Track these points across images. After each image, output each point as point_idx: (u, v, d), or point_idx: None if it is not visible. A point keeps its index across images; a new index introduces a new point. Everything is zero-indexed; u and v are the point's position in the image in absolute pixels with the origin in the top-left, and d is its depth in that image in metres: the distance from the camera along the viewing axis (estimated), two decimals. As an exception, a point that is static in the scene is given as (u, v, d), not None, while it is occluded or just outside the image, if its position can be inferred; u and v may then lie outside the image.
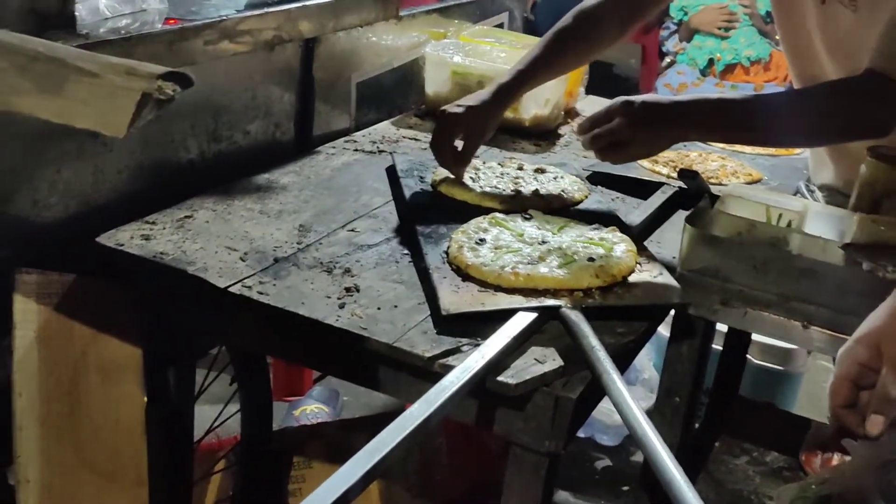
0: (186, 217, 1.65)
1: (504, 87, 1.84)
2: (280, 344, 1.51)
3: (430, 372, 1.30)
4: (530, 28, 3.15)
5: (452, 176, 1.84)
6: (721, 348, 2.59)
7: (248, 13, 1.79)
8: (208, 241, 1.58)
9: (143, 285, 1.55)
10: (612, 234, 1.61)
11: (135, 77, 0.92)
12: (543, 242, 1.58)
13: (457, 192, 1.81)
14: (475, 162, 1.95)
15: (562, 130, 2.40)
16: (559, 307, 1.40)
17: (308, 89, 2.08)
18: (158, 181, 1.74)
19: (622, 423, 2.97)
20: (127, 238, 1.55)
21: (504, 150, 2.20)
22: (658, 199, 1.90)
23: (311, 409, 2.88)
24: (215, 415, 2.13)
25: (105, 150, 1.62)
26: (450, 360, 1.30)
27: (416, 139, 2.22)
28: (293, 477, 2.15)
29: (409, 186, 1.84)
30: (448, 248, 1.56)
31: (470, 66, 2.31)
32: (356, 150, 2.10)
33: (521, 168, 1.96)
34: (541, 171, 1.95)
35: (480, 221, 1.64)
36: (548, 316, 1.41)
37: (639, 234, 1.70)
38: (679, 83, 4.47)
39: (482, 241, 1.56)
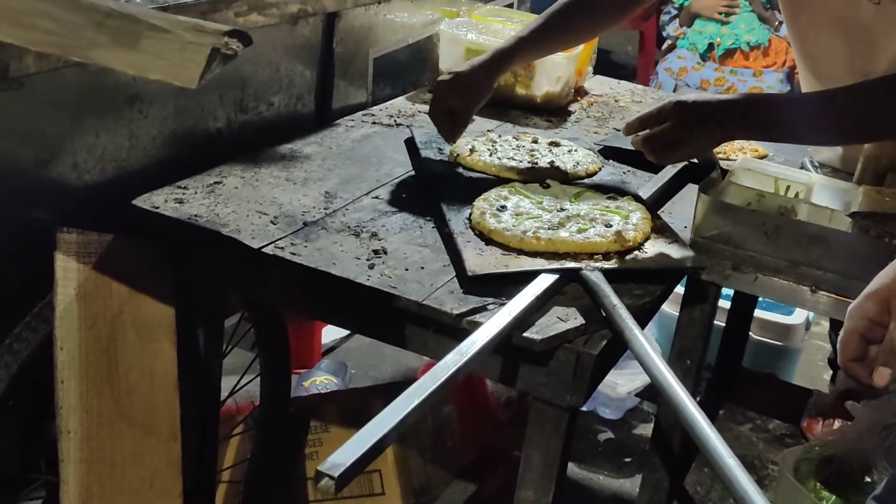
0: (216, 183, 1.71)
1: (501, 52, 1.88)
2: (311, 303, 1.57)
3: (457, 329, 1.36)
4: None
5: (470, 146, 1.90)
6: (724, 324, 2.66)
7: (277, -14, 1.85)
8: (239, 205, 1.64)
9: (177, 246, 1.61)
10: (628, 203, 1.68)
11: (204, 33, 0.98)
12: (562, 209, 1.64)
13: (475, 163, 1.87)
14: (491, 135, 2.01)
15: (572, 107, 2.46)
16: (580, 269, 1.47)
17: (328, 64, 2.14)
18: (189, 148, 1.80)
19: (624, 396, 3.03)
20: (161, 201, 1.61)
21: (517, 125, 2.26)
22: (669, 172, 1.96)
23: (321, 381, 2.94)
24: (232, 385, 2.19)
25: (140, 116, 1.68)
26: (476, 318, 1.36)
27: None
28: (310, 441, 2.21)
29: (429, 158, 1.90)
30: (470, 214, 1.62)
31: (484, 44, 2.36)
32: (374, 122, 2.16)
33: (535, 141, 2.02)
34: (555, 144, 2.01)
35: (500, 190, 1.71)
36: (568, 278, 1.47)
37: (652, 205, 1.76)
38: (679, 67, 4.53)
39: (503, 207, 1.62)
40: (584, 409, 3.13)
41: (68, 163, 1.57)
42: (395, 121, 2.19)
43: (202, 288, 1.72)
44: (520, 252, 1.52)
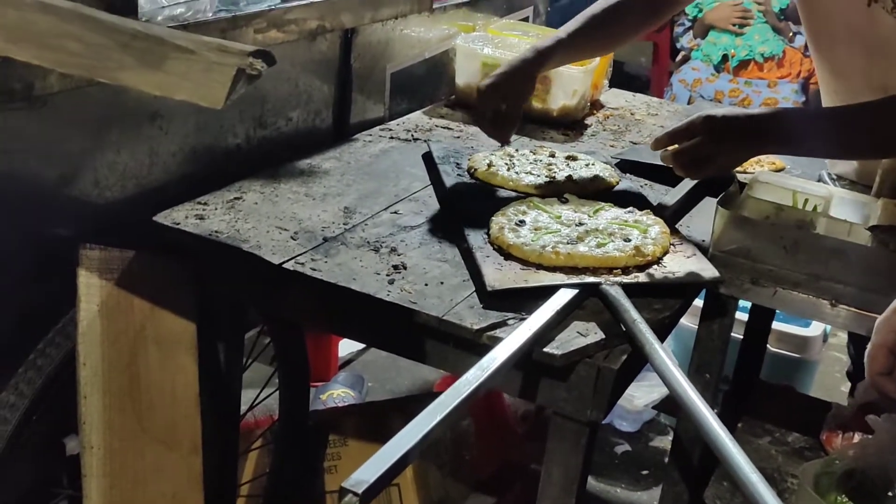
0: (236, 199, 1.72)
1: (540, 51, 1.88)
2: (331, 318, 1.58)
3: (476, 344, 1.37)
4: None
5: (488, 161, 1.91)
6: (741, 337, 2.66)
7: (296, 3, 1.86)
8: (259, 221, 1.65)
9: (197, 262, 1.62)
10: (647, 217, 1.68)
11: (228, 54, 0.99)
12: (580, 224, 1.64)
13: (493, 177, 1.88)
14: (508, 149, 2.02)
15: (588, 121, 2.47)
16: (599, 284, 1.47)
17: (346, 79, 2.15)
18: (209, 164, 1.81)
19: (642, 409, 3.03)
20: (182, 217, 1.62)
21: (534, 139, 2.27)
22: (686, 185, 1.96)
23: (338, 394, 2.95)
24: (251, 399, 2.20)
25: (161, 133, 1.69)
26: (497, 333, 1.37)
27: (447, 128, 2.29)
28: (329, 455, 2.22)
29: (447, 172, 1.91)
30: (489, 229, 1.63)
31: (500, 58, 2.37)
32: (391, 137, 2.17)
33: (552, 155, 2.03)
34: (572, 158, 2.02)
35: (518, 205, 1.71)
36: (588, 292, 1.48)
37: (670, 217, 1.76)
38: (694, 79, 4.53)
39: (522, 222, 1.63)
40: (601, 421, 3.14)
41: (90, 179, 1.59)
42: (412, 135, 2.20)
43: (223, 303, 1.73)
44: (539, 267, 1.52)
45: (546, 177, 1.89)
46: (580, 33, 1.93)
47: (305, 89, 2.05)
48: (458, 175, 1.91)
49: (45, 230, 1.55)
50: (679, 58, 4.88)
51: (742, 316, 2.55)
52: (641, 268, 1.54)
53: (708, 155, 1.65)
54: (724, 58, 4.51)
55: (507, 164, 1.93)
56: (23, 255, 1.51)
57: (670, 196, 1.92)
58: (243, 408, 2.03)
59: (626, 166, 2.09)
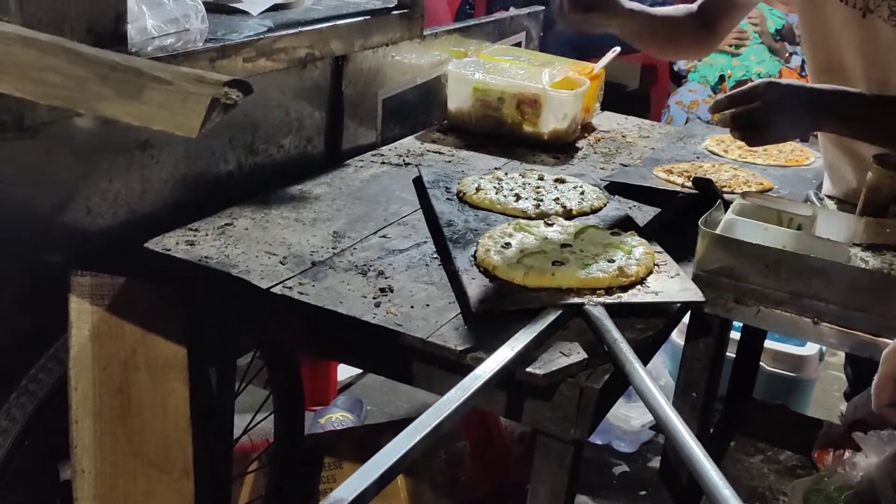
0: (227, 224, 1.75)
1: None
2: (319, 341, 1.60)
3: (461, 365, 1.39)
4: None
5: (477, 184, 1.94)
6: (734, 356, 2.67)
7: (284, 32, 1.89)
8: (249, 246, 1.67)
9: (188, 288, 1.64)
10: (631, 238, 1.70)
11: (204, 84, 1.02)
12: (565, 245, 1.67)
13: (482, 201, 1.90)
14: (497, 173, 2.05)
15: (579, 144, 2.49)
16: (582, 304, 1.49)
17: (337, 105, 2.18)
18: (200, 191, 1.84)
19: (639, 429, 3.04)
20: (173, 243, 1.65)
21: (524, 162, 2.30)
22: (672, 207, 1.98)
23: (337, 418, 2.97)
24: (246, 423, 2.22)
25: (152, 162, 1.72)
26: (480, 354, 1.39)
27: (439, 153, 2.31)
28: (324, 477, 2.23)
29: (437, 197, 1.93)
30: (475, 251, 1.65)
31: (490, 83, 2.41)
32: (383, 162, 2.20)
33: (541, 178, 2.05)
34: (561, 181, 2.04)
35: (505, 227, 1.74)
36: (572, 313, 1.50)
37: (655, 239, 1.78)
38: (691, 100, 4.57)
39: (508, 244, 1.65)
40: (598, 442, 3.15)
41: (82, 207, 1.61)
42: (403, 160, 2.22)
43: (214, 328, 1.75)
44: (523, 288, 1.54)
45: (534, 199, 1.91)
46: (644, 17, 1.96)
47: (297, 116, 2.08)
48: (448, 199, 1.93)
49: (37, 257, 1.57)
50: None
51: (735, 335, 2.57)
52: (625, 288, 1.56)
53: (764, 121, 1.65)
54: (721, 79, 4.55)
55: (495, 187, 1.95)
56: (15, 282, 1.54)
57: (657, 217, 1.94)
58: (239, 431, 2.05)
59: (614, 188, 2.11)
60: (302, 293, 1.52)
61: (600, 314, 1.46)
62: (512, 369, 1.34)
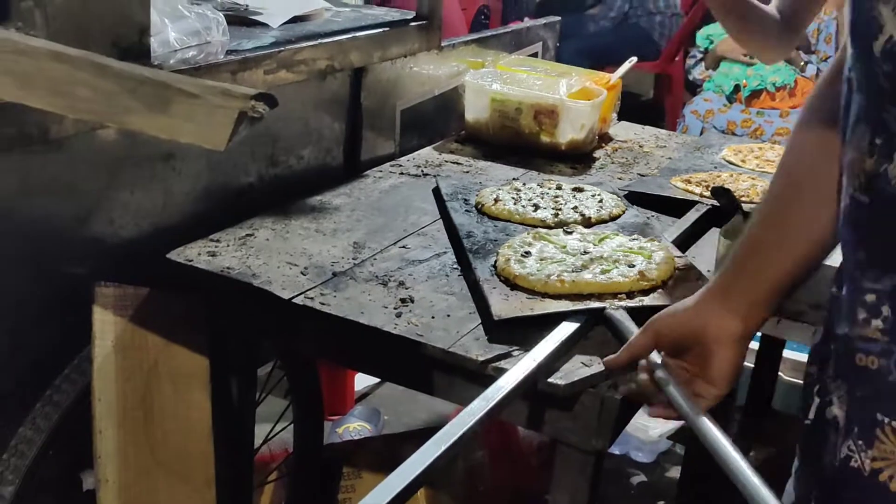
0: (248, 235, 1.76)
1: None
2: (341, 351, 1.61)
3: (483, 375, 1.39)
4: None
5: (495, 195, 1.95)
6: (753, 365, 2.67)
7: (304, 44, 1.91)
8: (270, 257, 1.68)
9: (210, 298, 1.66)
10: (651, 243, 1.71)
11: (231, 97, 1.03)
12: (585, 253, 1.67)
13: (500, 211, 1.91)
14: (516, 184, 2.06)
15: (596, 154, 2.50)
16: (603, 308, 1.50)
17: (356, 117, 2.19)
18: (221, 202, 1.85)
19: (657, 439, 3.02)
20: (195, 254, 1.66)
21: (542, 172, 2.30)
22: (692, 216, 1.98)
23: (354, 427, 2.97)
24: (266, 432, 2.23)
25: (174, 173, 1.73)
26: (502, 364, 1.39)
27: (457, 163, 2.32)
28: (343, 487, 2.24)
29: (455, 209, 1.94)
30: (496, 261, 1.66)
31: (508, 94, 2.41)
32: (401, 173, 2.21)
33: (559, 188, 2.06)
34: (579, 189, 2.05)
35: (525, 236, 1.74)
36: (593, 320, 1.50)
37: (676, 248, 1.78)
38: (706, 110, 4.56)
39: (528, 253, 1.66)
40: (616, 452, 3.15)
41: (105, 219, 1.63)
42: (422, 171, 2.23)
43: (235, 338, 1.76)
44: (544, 296, 1.55)
45: (553, 209, 1.92)
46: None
47: (316, 127, 2.09)
48: (467, 211, 1.94)
49: (61, 268, 1.59)
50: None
51: (754, 344, 2.57)
52: (646, 292, 1.56)
53: None
54: (736, 88, 4.55)
55: (513, 197, 1.96)
56: (39, 293, 1.55)
57: (676, 227, 1.94)
58: (258, 441, 2.06)
59: (633, 198, 2.11)
60: (323, 303, 1.53)
61: (622, 317, 1.46)
62: (534, 380, 1.34)
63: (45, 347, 1.56)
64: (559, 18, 3.14)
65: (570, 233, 1.77)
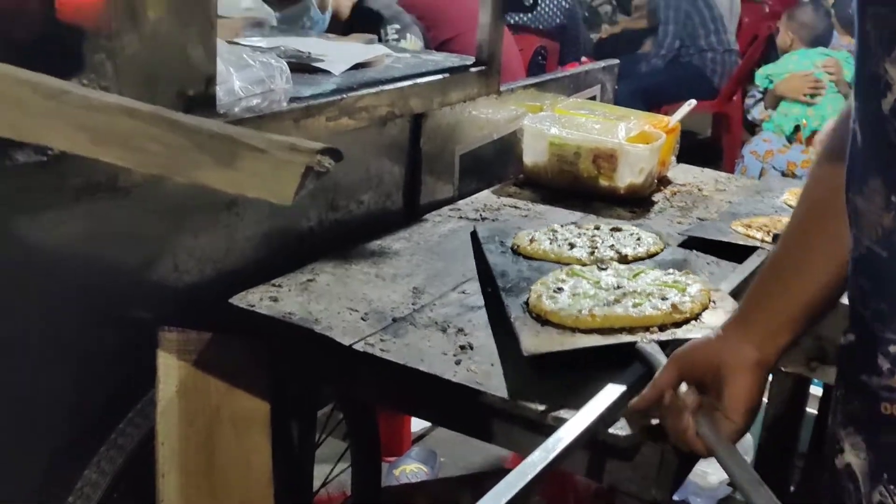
0: (309, 280, 1.78)
1: None
2: (400, 398, 1.62)
3: (543, 425, 1.39)
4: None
5: (531, 236, 1.94)
6: (815, 412, 2.62)
7: (365, 91, 1.93)
8: (330, 302, 1.70)
9: (271, 343, 1.67)
10: (686, 277, 1.69)
11: (297, 152, 1.05)
12: (619, 288, 1.65)
13: (535, 251, 1.89)
14: (553, 225, 2.03)
15: (655, 197, 2.49)
16: (635, 342, 1.48)
17: (415, 161, 2.21)
18: (283, 247, 1.87)
19: (716, 485, 2.97)
20: (257, 299, 1.68)
21: (600, 216, 2.29)
22: (753, 262, 1.97)
23: (411, 469, 2.97)
24: (325, 475, 2.24)
25: (237, 219, 1.76)
26: (562, 414, 1.39)
27: (515, 207, 2.33)
28: (401, 530, 2.24)
29: (490, 250, 1.92)
30: (528, 298, 1.65)
31: (566, 138, 2.42)
32: (460, 217, 2.22)
33: (597, 228, 2.04)
34: (617, 229, 2.03)
35: (558, 273, 1.73)
36: (625, 354, 1.47)
37: (736, 293, 1.76)
38: (765, 150, 4.54)
39: (560, 289, 1.64)
40: (675, 498, 3.10)
41: (169, 264, 1.66)
42: (480, 215, 2.24)
43: (296, 382, 1.78)
44: (575, 331, 1.54)
45: (589, 247, 1.91)
46: None
47: (376, 173, 2.11)
48: (502, 252, 1.92)
49: (126, 313, 1.61)
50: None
51: (816, 390, 2.53)
52: (679, 325, 1.54)
53: None
54: (797, 128, 4.52)
55: (549, 238, 1.95)
56: (106, 337, 1.58)
57: (738, 273, 1.92)
58: (316, 483, 2.06)
59: (691, 243, 2.10)
60: (383, 350, 1.54)
61: (653, 350, 1.44)
62: (594, 430, 1.34)
63: (111, 391, 1.58)
64: (617, 61, 3.14)
65: (605, 269, 1.75)
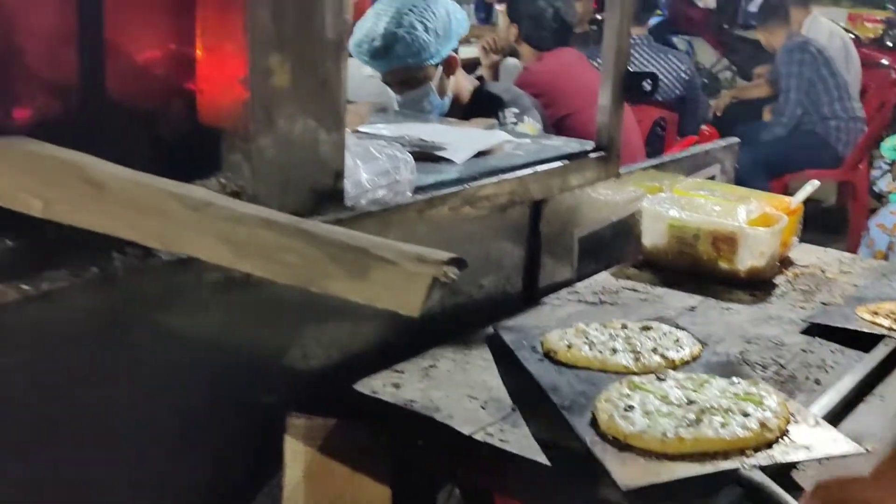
0: (430, 366, 1.82)
1: None
2: (520, 488, 1.63)
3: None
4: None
5: (567, 341, 1.86)
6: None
7: (487, 181, 1.98)
8: (451, 389, 1.73)
9: (393, 428, 1.71)
10: (755, 387, 1.64)
11: (425, 264, 1.09)
12: (691, 402, 1.57)
13: (576, 359, 1.81)
14: (579, 325, 1.94)
15: (777, 280, 2.46)
16: (737, 469, 1.42)
17: (535, 244, 2.24)
18: (405, 332, 1.91)
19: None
20: (380, 385, 1.73)
21: (720, 300, 2.28)
22: (881, 351, 1.93)
23: (527, 547, 2.96)
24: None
25: (362, 305, 1.81)
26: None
27: (634, 290, 2.33)
28: None
29: (526, 359, 1.83)
30: (595, 417, 1.57)
31: (686, 220, 2.42)
32: (579, 300, 2.23)
33: (624, 327, 1.96)
34: (647, 328, 1.96)
35: (619, 387, 1.64)
36: (722, 482, 1.43)
37: (861, 386, 1.73)
38: (893, 223, 4.43)
39: (630, 407, 1.56)
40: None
41: (298, 352, 1.72)
42: (599, 298, 2.26)
43: (417, 468, 1.81)
44: (662, 456, 1.47)
45: (631, 351, 1.83)
46: None
47: (496, 256, 2.15)
48: (539, 360, 1.83)
49: (256, 398, 1.68)
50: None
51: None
52: (769, 444, 1.49)
53: None
54: (926, 201, 4.40)
55: (585, 342, 1.87)
56: (237, 421, 1.64)
57: (864, 364, 1.89)
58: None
59: (815, 330, 2.07)
60: (503, 440, 1.57)
61: (762, 479, 1.39)
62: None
63: (239, 474, 1.64)
64: (737, 140, 3.13)
65: (663, 379, 1.67)
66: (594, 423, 1.56)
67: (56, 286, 1.29)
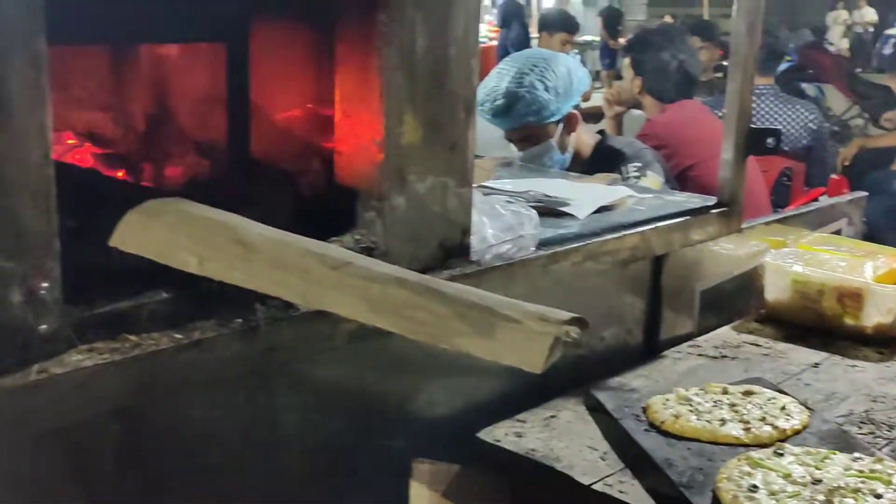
0: (552, 417, 1.87)
1: None
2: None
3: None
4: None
5: (673, 411, 1.83)
6: None
7: (609, 236, 2.03)
8: (571, 440, 1.78)
9: (515, 477, 1.77)
10: (880, 464, 1.61)
11: (547, 323, 1.16)
12: (816, 481, 1.54)
13: (685, 430, 1.78)
14: (680, 391, 1.91)
15: (904, 337, 2.43)
16: None
17: (656, 298, 2.28)
18: (527, 382, 1.95)
19: None
20: (502, 434, 1.79)
21: (845, 357, 2.27)
22: None
23: None
24: None
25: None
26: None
27: (756, 345, 2.34)
28: None
29: (632, 429, 1.80)
30: (716, 497, 1.55)
31: (810, 276, 2.41)
32: (699, 354, 2.25)
33: (725, 392, 1.93)
34: (748, 392, 1.92)
35: (738, 464, 1.62)
36: None
37: None
38: None
39: (754, 487, 1.52)
40: None
41: (425, 399, 1.79)
42: (720, 352, 2.27)
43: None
44: None
45: (739, 421, 1.80)
46: None
47: (617, 310, 2.19)
48: (645, 430, 1.81)
49: (383, 443, 1.75)
50: None
51: None
52: None
53: None
54: None
55: (691, 409, 1.84)
56: (365, 464, 1.72)
57: None
58: None
59: (943, 392, 2.04)
60: (622, 492, 1.61)
61: None
62: None
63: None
64: (865, 194, 3.10)
65: (781, 454, 1.64)
66: (716, 502, 1.54)
67: (206, 336, 1.40)
